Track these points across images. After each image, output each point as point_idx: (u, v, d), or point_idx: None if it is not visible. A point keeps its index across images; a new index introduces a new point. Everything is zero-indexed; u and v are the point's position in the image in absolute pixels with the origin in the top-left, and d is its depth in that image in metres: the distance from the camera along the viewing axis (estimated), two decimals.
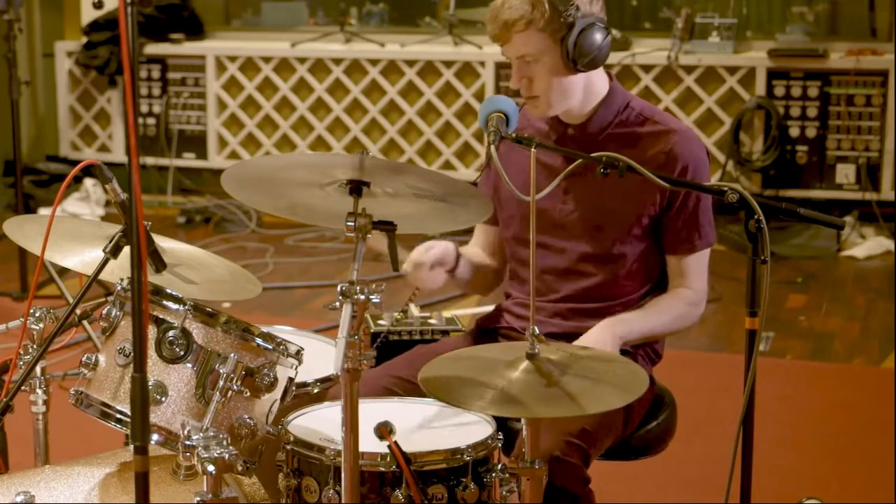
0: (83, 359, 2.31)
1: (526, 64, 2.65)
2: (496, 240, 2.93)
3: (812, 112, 6.66)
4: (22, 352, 2.48)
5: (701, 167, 2.71)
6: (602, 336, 2.63)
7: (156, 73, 7.56)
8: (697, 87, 6.77)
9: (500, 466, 2.29)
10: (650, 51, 6.88)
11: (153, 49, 7.50)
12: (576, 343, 2.61)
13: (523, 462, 2.21)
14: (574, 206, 2.76)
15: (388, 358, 2.82)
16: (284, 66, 7.36)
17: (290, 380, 2.37)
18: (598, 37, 2.61)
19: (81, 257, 2.54)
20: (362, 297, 2.06)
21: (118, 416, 2.26)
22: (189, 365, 2.26)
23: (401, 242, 2.28)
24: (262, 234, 6.84)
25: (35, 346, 2.48)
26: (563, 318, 2.77)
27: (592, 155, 2.43)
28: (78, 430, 2.93)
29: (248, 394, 2.28)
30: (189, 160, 7.58)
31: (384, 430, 2.13)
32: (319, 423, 2.36)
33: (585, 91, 2.71)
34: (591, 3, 2.64)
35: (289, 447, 2.30)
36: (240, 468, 2.07)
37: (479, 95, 7.01)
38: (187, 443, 2.10)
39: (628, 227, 2.72)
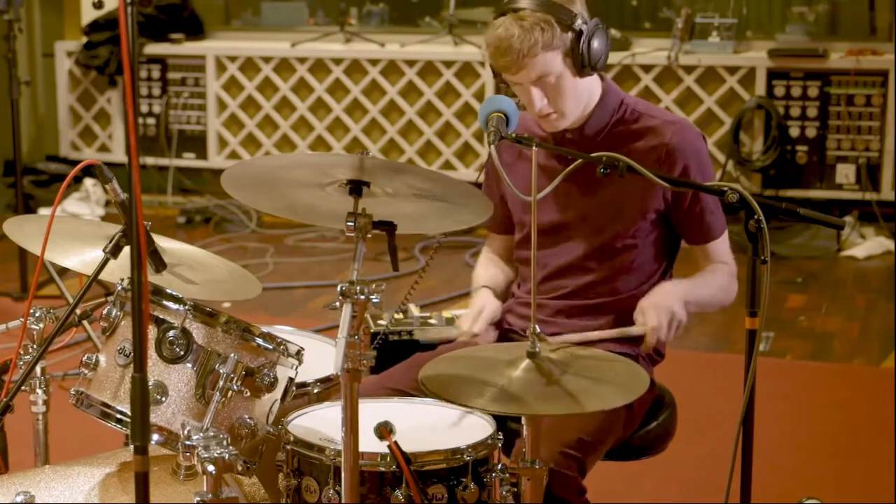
0: (83, 359, 2.31)
1: (544, 84, 2.62)
2: (510, 247, 2.93)
3: (812, 112, 6.65)
4: (22, 352, 2.48)
5: (700, 156, 2.71)
6: (672, 290, 2.65)
7: (156, 73, 7.55)
8: (697, 87, 6.77)
9: (500, 466, 2.29)
10: (650, 51, 6.88)
11: (153, 49, 7.50)
12: (643, 301, 2.62)
13: (523, 462, 2.21)
14: (575, 206, 2.75)
15: (388, 357, 2.81)
16: (284, 66, 7.35)
17: (291, 380, 2.37)
18: (603, 37, 2.61)
19: (81, 257, 2.54)
20: (362, 297, 2.06)
21: (118, 416, 2.26)
22: (189, 365, 2.26)
23: (401, 243, 2.28)
24: (262, 234, 6.84)
25: (35, 346, 2.48)
26: (567, 316, 2.77)
27: (592, 155, 2.42)
28: (78, 430, 2.93)
29: (249, 394, 2.28)
30: (189, 160, 7.57)
31: (384, 430, 2.13)
32: (319, 423, 2.36)
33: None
34: (577, 4, 2.62)
35: (289, 447, 2.30)
36: (240, 468, 2.07)
37: (479, 95, 7.01)
38: (187, 443, 2.10)
39: (631, 224, 2.72)
